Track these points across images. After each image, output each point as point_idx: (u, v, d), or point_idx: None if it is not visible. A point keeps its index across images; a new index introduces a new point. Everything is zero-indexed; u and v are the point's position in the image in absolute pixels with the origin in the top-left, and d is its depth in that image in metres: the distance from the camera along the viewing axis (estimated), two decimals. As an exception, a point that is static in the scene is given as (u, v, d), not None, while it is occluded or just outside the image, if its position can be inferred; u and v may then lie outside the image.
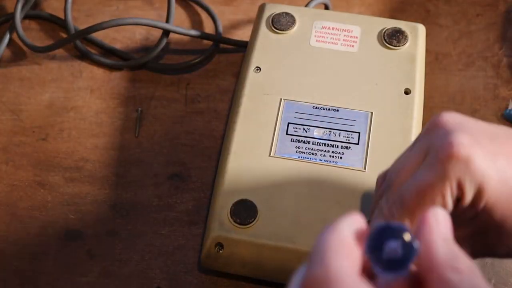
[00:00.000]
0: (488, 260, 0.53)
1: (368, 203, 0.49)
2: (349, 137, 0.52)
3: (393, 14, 0.66)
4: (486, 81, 0.62)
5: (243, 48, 0.63)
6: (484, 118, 0.59)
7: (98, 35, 0.64)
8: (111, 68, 0.63)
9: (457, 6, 0.66)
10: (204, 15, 0.67)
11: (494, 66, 0.62)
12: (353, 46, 0.56)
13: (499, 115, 0.60)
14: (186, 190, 0.56)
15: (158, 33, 0.63)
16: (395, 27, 0.57)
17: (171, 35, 0.64)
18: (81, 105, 0.61)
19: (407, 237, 0.28)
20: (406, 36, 0.57)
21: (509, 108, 0.59)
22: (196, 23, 0.67)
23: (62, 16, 0.65)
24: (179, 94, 0.62)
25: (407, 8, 0.66)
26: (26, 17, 0.66)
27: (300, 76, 0.55)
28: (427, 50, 0.59)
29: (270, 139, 0.52)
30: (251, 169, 0.51)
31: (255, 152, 0.52)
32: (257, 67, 0.56)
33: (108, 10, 0.67)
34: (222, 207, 0.49)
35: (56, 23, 0.66)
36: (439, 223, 0.31)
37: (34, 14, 0.66)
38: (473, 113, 0.60)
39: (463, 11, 0.66)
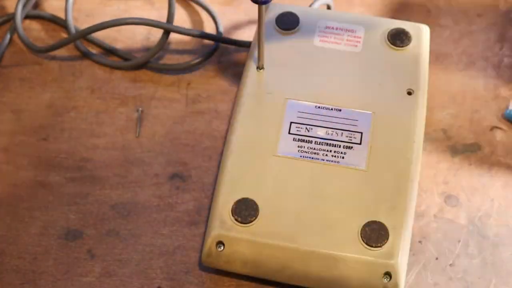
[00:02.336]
0: (488, 260, 0.53)
1: (370, 203, 0.49)
2: (351, 137, 0.52)
3: (393, 14, 0.66)
4: (487, 81, 0.62)
5: (244, 48, 0.63)
6: (484, 118, 0.60)
7: (98, 35, 0.64)
8: (111, 68, 0.63)
9: (457, 6, 0.66)
10: (204, 15, 0.67)
11: (495, 66, 0.63)
12: (356, 46, 0.56)
13: (500, 115, 0.60)
14: (187, 190, 0.56)
15: (158, 33, 0.63)
16: (399, 28, 0.57)
17: (172, 35, 0.64)
18: (81, 105, 0.61)
19: None
20: (409, 37, 0.56)
21: (510, 108, 0.59)
22: (197, 23, 0.67)
23: (62, 16, 0.65)
24: (179, 94, 0.62)
25: (408, 8, 0.67)
26: (26, 17, 0.66)
27: (303, 75, 0.55)
28: (427, 50, 0.59)
29: (272, 138, 0.52)
30: (253, 168, 0.51)
31: (257, 151, 0.52)
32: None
33: (108, 10, 0.67)
34: (224, 205, 0.49)
35: (57, 23, 0.66)
36: None
37: (35, 14, 0.66)
38: (474, 113, 0.60)
39: (463, 11, 0.66)
